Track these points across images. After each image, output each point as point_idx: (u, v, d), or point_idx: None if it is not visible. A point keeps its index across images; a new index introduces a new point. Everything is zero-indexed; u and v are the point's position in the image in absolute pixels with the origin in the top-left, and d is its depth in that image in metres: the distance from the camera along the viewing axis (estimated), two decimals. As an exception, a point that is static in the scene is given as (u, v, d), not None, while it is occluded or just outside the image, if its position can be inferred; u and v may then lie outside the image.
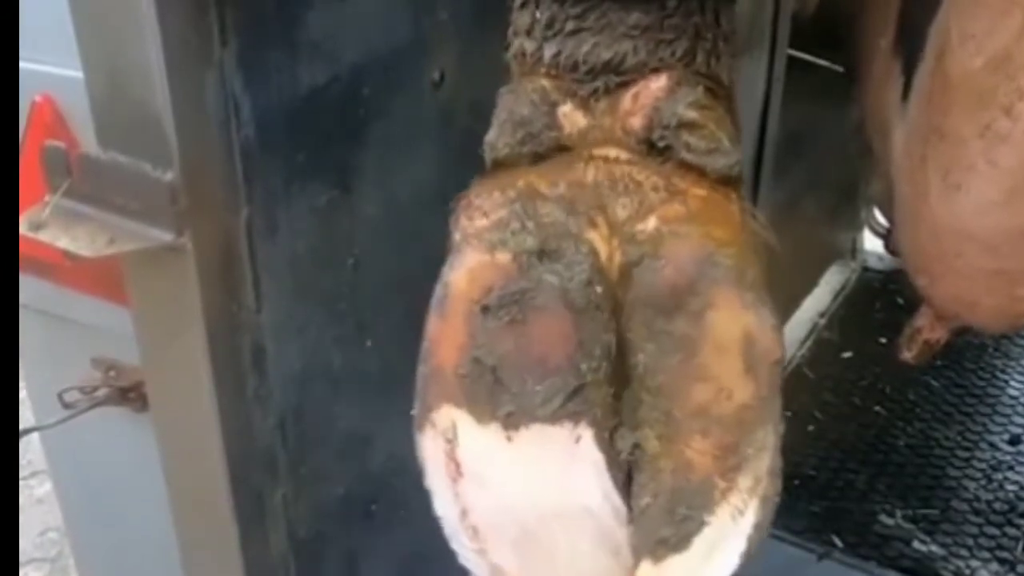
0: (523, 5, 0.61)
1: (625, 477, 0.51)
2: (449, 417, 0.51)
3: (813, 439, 1.63)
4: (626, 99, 0.60)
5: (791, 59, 1.41)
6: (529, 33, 0.61)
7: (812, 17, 1.33)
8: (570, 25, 0.60)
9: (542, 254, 0.52)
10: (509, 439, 0.50)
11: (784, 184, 1.57)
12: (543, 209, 0.54)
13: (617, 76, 0.60)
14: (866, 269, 2.03)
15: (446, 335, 0.51)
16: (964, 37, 0.81)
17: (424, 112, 0.90)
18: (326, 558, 0.93)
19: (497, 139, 0.61)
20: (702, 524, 0.50)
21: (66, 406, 0.90)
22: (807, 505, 1.49)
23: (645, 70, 0.59)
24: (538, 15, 0.60)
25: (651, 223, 0.55)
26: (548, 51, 0.60)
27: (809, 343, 1.83)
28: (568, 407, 0.50)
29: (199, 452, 0.80)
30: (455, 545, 0.52)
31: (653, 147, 0.59)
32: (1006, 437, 1.62)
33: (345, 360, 0.86)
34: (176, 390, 0.78)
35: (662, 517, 0.50)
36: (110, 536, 1.07)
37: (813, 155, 1.70)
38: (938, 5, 0.85)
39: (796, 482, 1.54)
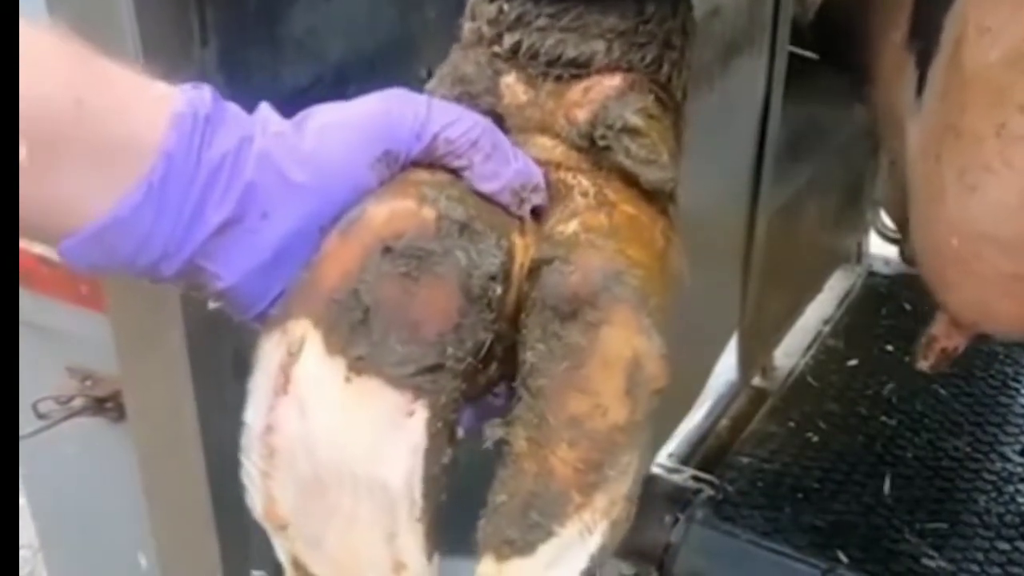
0: None
1: (438, 476, 0.52)
2: (302, 331, 0.51)
3: (817, 450, 1.63)
4: (576, 90, 0.61)
5: (792, 56, 1.42)
6: (492, 22, 0.62)
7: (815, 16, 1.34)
8: (541, 22, 0.61)
9: (464, 229, 0.53)
10: (347, 380, 0.50)
11: (786, 186, 1.58)
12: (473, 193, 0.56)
13: (575, 69, 0.61)
14: (872, 274, 2.04)
15: (339, 255, 0.52)
16: (981, 29, 0.81)
17: (411, 112, 0.91)
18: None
19: (435, 90, 0.62)
20: (550, 534, 0.51)
21: (40, 416, 0.91)
22: (810, 519, 1.50)
23: (606, 70, 0.61)
24: (506, 8, 0.62)
25: (571, 226, 0.57)
26: (509, 40, 0.62)
27: (813, 351, 1.84)
28: (416, 379, 0.51)
29: (179, 464, 0.81)
30: (244, 458, 0.53)
31: (592, 144, 0.61)
32: (1017, 448, 1.63)
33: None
34: (155, 400, 0.79)
35: (514, 518, 0.51)
36: (86, 553, 1.08)
37: (816, 156, 1.71)
38: None
39: (799, 495, 1.54)
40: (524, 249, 0.56)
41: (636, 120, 0.60)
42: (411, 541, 0.51)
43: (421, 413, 0.51)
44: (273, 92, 0.78)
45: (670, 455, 1.61)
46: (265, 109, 0.55)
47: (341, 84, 0.83)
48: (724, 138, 1.34)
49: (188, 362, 0.75)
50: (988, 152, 0.83)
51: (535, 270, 0.55)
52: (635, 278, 0.55)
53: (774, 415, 1.71)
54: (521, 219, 0.57)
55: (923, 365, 1.17)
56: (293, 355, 0.51)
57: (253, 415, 0.52)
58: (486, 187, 0.55)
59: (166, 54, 0.69)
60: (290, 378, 0.51)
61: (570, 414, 0.52)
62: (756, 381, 1.77)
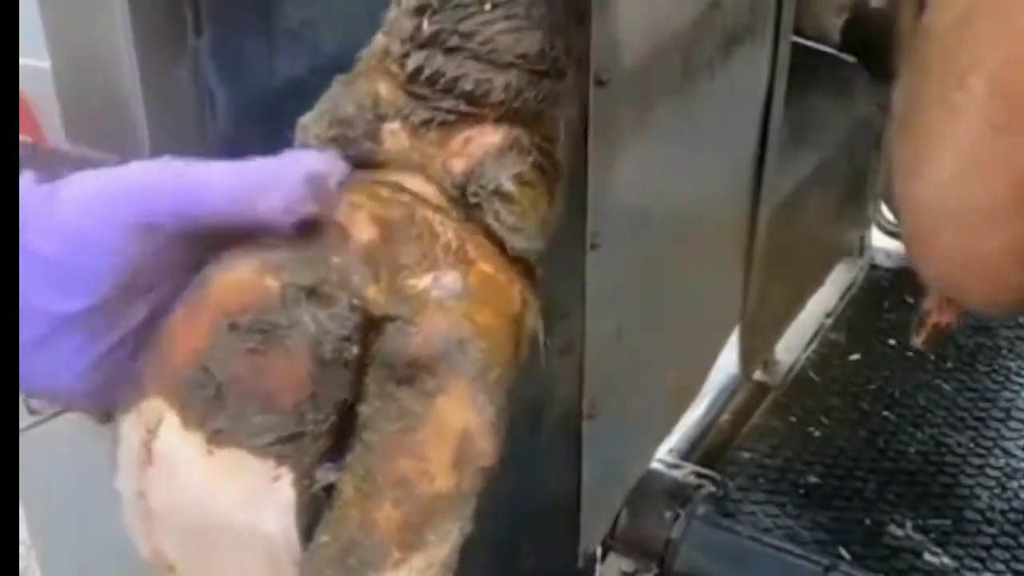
0: (416, 11, 0.61)
1: (310, 516, 0.53)
2: (157, 410, 0.51)
3: (819, 445, 1.63)
4: (457, 140, 0.61)
5: (796, 47, 1.41)
6: (405, 41, 0.62)
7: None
8: (453, 41, 0.60)
9: (311, 294, 0.53)
10: (209, 453, 0.51)
11: (788, 179, 1.57)
12: (335, 244, 0.55)
13: (466, 107, 0.61)
14: (874, 267, 2.03)
15: (186, 331, 0.52)
16: None
17: (408, 103, 0.90)
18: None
19: (309, 127, 0.62)
20: None
21: (32, 412, 0.90)
22: (812, 515, 1.50)
23: (495, 110, 0.61)
24: (425, 26, 0.61)
25: (424, 281, 0.56)
26: (413, 63, 0.61)
27: (815, 345, 1.84)
28: (277, 448, 0.51)
29: (172, 461, 0.80)
30: (127, 521, 0.54)
31: (463, 197, 0.60)
32: (1021, 443, 1.63)
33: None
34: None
35: (334, 561, 0.52)
36: (79, 550, 1.08)
37: (819, 149, 1.70)
38: None
39: (800, 490, 1.54)
40: (378, 296, 0.55)
41: (509, 186, 0.60)
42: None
43: (287, 476, 0.51)
44: (267, 83, 0.78)
45: (670, 450, 1.61)
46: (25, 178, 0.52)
47: (336, 75, 0.82)
48: (726, 130, 1.33)
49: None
50: (935, 122, 0.81)
51: (379, 322, 0.55)
52: (478, 349, 0.54)
53: (775, 410, 1.70)
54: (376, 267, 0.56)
55: (917, 342, 1.16)
56: (151, 432, 0.52)
57: (124, 483, 0.53)
58: (260, 221, 0.53)
59: (159, 45, 0.69)
60: (152, 453, 0.52)
61: (397, 475, 0.53)
62: (757, 375, 1.77)
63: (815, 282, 1.94)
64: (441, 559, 0.53)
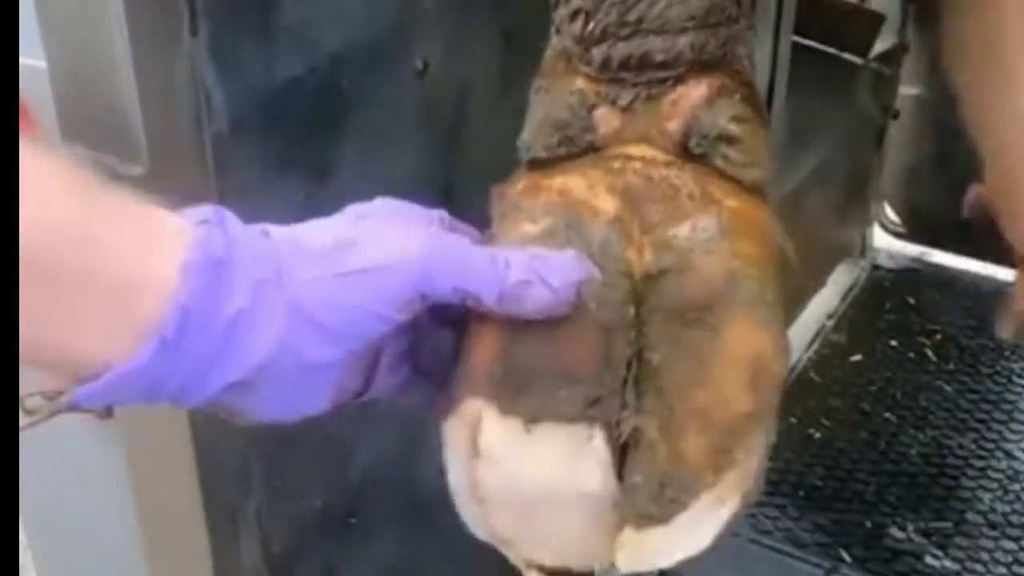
0: (573, 16, 0.65)
1: (619, 460, 0.57)
2: (476, 408, 0.57)
3: (819, 447, 1.63)
4: (665, 104, 0.64)
5: (796, 46, 1.42)
6: (578, 39, 0.65)
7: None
8: (625, 31, 0.64)
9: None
10: (527, 431, 0.56)
11: (789, 178, 1.58)
12: (587, 222, 0.60)
13: (663, 73, 0.64)
14: (876, 268, 2.04)
15: (482, 337, 0.57)
16: None
17: (407, 103, 0.91)
18: (302, 572, 0.94)
19: (534, 141, 0.66)
20: (686, 506, 0.56)
21: (28, 413, 0.90)
22: (813, 517, 1.50)
23: (691, 70, 0.64)
24: (591, 26, 0.64)
25: (684, 230, 0.60)
26: (598, 55, 0.64)
27: (816, 346, 1.84)
28: (587, 412, 0.56)
29: (169, 462, 0.81)
30: (461, 510, 0.59)
31: (687, 150, 0.64)
32: (1023, 446, 1.63)
33: (323, 365, 0.87)
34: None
35: (651, 495, 0.56)
36: (75, 551, 1.08)
37: (820, 148, 1.71)
38: None
39: (801, 493, 1.54)
40: (637, 255, 0.60)
41: (731, 127, 0.64)
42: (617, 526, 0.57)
43: (598, 435, 0.56)
44: (265, 83, 0.78)
45: (670, 452, 1.61)
46: (277, 235, 0.54)
47: (335, 75, 0.82)
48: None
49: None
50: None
51: (652, 277, 0.59)
52: (751, 278, 0.59)
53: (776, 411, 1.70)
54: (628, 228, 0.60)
55: (1002, 333, 1.14)
56: (474, 428, 0.57)
57: (456, 480, 0.58)
58: (522, 314, 0.56)
59: (155, 44, 0.69)
60: (479, 446, 0.57)
61: (697, 407, 0.57)
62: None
63: (816, 282, 1.94)
64: (753, 469, 0.57)
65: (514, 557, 0.59)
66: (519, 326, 0.56)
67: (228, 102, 0.74)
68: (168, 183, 0.71)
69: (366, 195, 0.88)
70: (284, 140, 0.80)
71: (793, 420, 1.68)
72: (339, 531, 0.96)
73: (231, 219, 0.52)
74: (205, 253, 0.50)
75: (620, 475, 0.57)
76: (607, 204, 0.61)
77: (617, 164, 0.63)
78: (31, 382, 0.93)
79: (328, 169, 0.84)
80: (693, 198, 0.62)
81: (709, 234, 0.60)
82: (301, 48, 0.79)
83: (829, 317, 1.91)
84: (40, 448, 0.98)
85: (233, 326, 0.50)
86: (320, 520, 0.94)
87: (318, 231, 0.55)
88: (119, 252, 0.49)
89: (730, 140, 0.64)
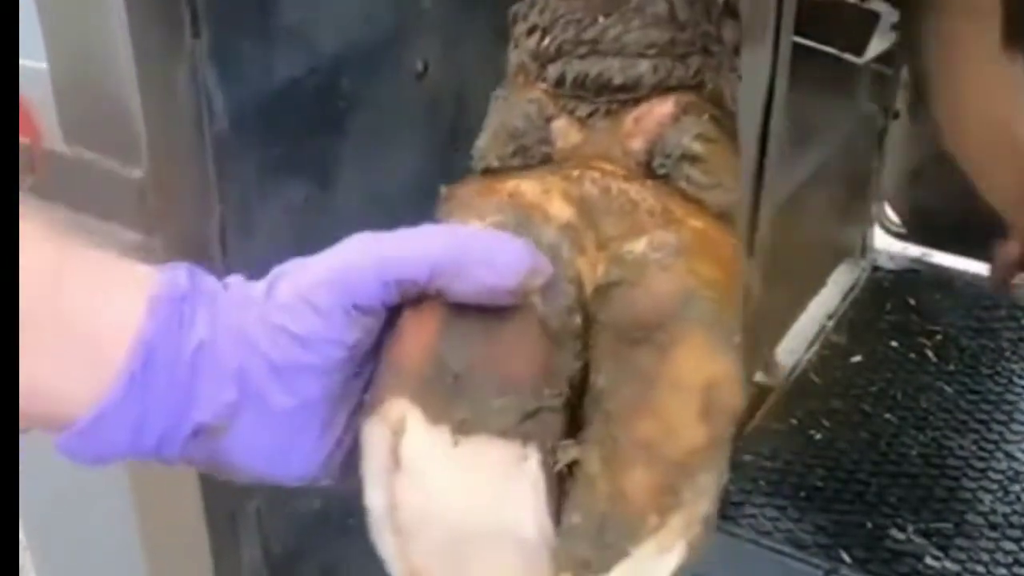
0: (530, 32, 0.63)
1: (558, 496, 0.52)
2: (400, 410, 0.52)
3: (820, 448, 1.63)
4: (628, 121, 0.62)
5: (796, 47, 1.42)
6: (534, 55, 0.63)
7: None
8: (581, 50, 0.62)
9: None
10: (455, 443, 0.51)
11: (789, 179, 1.58)
12: (538, 223, 0.56)
13: (624, 95, 0.62)
14: (876, 268, 2.03)
15: (416, 329, 0.53)
16: None
17: (407, 104, 0.91)
18: (302, 572, 0.94)
19: (488, 150, 0.63)
20: (626, 554, 0.51)
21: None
22: (813, 518, 1.50)
23: (654, 92, 0.62)
24: (546, 43, 0.63)
25: (640, 245, 0.56)
26: (553, 72, 0.63)
27: (816, 347, 1.84)
28: (521, 427, 0.51)
29: (169, 463, 0.81)
30: (377, 540, 0.53)
31: (650, 170, 0.61)
32: (1023, 447, 1.64)
33: (323, 366, 0.87)
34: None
35: (589, 539, 0.51)
36: (74, 551, 1.08)
37: (820, 149, 1.71)
38: None
39: (801, 494, 1.54)
40: (590, 268, 0.56)
41: (695, 147, 0.61)
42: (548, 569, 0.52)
43: (533, 456, 0.51)
44: (266, 84, 0.78)
45: (671, 452, 1.61)
46: (236, 281, 0.54)
47: (335, 76, 0.83)
48: (727, 130, 1.34)
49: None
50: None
51: (602, 291, 0.55)
52: (706, 299, 0.54)
53: (776, 412, 1.70)
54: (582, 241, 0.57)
55: (992, 288, 1.15)
56: (397, 434, 0.52)
57: (373, 498, 0.53)
58: (465, 299, 0.53)
59: (156, 46, 0.69)
60: (400, 456, 0.52)
61: (643, 438, 0.52)
62: (758, 377, 1.77)
63: (816, 283, 1.94)
64: (701, 514, 0.52)
65: None
66: (456, 320, 0.52)
67: (229, 104, 0.74)
68: (169, 184, 0.71)
69: (366, 195, 0.89)
70: (285, 141, 0.80)
71: (793, 421, 1.68)
72: (339, 531, 0.97)
73: (200, 270, 0.53)
74: (170, 291, 0.50)
75: (557, 516, 0.52)
76: (561, 211, 0.58)
77: (576, 172, 0.60)
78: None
79: (328, 170, 0.85)
80: (652, 214, 0.58)
81: (666, 251, 0.56)
82: (301, 50, 0.79)
83: (829, 318, 1.91)
84: (40, 448, 0.98)
85: (197, 357, 0.50)
86: (320, 520, 0.94)
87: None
88: (84, 294, 0.49)
89: (694, 159, 0.61)
